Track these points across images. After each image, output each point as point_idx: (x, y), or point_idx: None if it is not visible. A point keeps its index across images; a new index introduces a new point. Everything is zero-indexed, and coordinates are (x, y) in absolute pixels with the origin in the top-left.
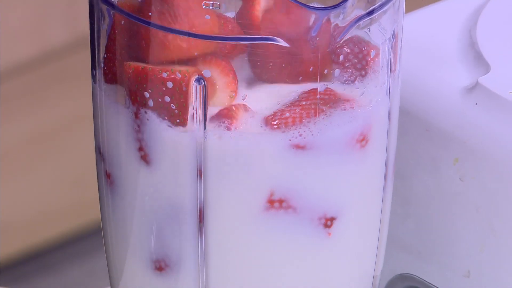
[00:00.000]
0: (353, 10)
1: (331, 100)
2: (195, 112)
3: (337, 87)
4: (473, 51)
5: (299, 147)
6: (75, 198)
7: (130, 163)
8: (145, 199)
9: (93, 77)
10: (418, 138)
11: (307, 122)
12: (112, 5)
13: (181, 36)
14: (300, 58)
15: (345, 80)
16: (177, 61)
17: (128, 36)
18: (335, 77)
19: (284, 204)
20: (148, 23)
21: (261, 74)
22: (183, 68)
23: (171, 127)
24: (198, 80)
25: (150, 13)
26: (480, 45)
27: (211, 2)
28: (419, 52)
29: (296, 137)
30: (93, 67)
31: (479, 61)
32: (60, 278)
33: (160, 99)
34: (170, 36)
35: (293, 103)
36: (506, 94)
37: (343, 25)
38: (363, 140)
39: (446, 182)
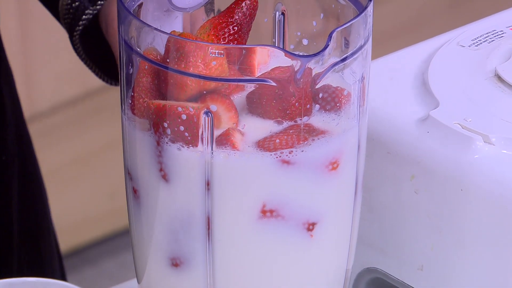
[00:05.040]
0: (330, 58)
1: (312, 130)
2: (204, 138)
3: (317, 119)
4: (425, 89)
5: (284, 161)
6: (110, 207)
7: (153, 181)
8: (164, 209)
9: (122, 111)
10: (381, 159)
11: (292, 145)
12: (138, 53)
13: (192, 78)
14: (287, 96)
15: (323, 114)
16: (189, 98)
17: (151, 77)
18: (315, 111)
19: (274, 214)
20: (167, 68)
21: (256, 108)
22: (195, 104)
23: (185, 150)
24: (206, 113)
25: (168, 60)
26: (431, 85)
27: (217, 51)
28: (383, 90)
29: (283, 157)
30: (122, 102)
31: (430, 98)
32: (98, 269)
33: (176, 129)
34: (184, 78)
35: (281, 131)
36: (452, 124)
37: (322, 69)
38: (338, 161)
39: (404, 194)
